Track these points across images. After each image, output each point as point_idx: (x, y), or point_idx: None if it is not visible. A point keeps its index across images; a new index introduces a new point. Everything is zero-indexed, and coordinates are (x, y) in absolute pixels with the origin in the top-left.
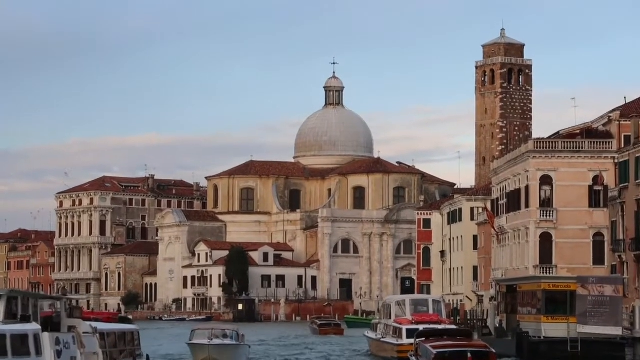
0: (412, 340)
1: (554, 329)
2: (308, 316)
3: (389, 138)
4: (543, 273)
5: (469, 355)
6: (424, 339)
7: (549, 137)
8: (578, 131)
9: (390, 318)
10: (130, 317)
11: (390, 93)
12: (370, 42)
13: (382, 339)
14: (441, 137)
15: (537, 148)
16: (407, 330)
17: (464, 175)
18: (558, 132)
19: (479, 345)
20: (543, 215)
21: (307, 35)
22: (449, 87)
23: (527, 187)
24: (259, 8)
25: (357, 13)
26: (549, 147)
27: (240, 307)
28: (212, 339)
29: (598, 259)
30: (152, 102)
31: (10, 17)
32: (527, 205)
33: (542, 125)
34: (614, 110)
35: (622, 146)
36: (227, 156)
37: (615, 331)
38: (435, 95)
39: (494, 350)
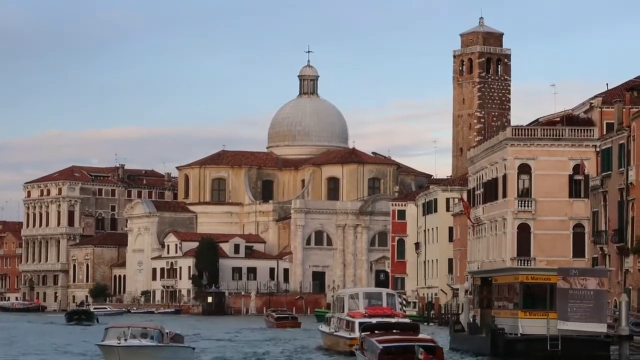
0: None
1: (532, 325)
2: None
3: (365, 133)
4: (521, 265)
5: (417, 349)
6: (369, 333)
7: (528, 125)
8: (558, 119)
9: (343, 311)
10: (92, 309)
11: (367, 84)
12: (346, 31)
13: (334, 333)
14: (419, 131)
15: (515, 136)
16: (360, 323)
17: (441, 168)
18: (537, 120)
19: (426, 340)
20: (521, 206)
21: (282, 24)
22: (428, 79)
23: (504, 176)
24: None
25: (332, 1)
26: (528, 135)
27: (209, 299)
28: (126, 339)
29: (578, 252)
30: (130, 95)
31: None
32: (504, 195)
33: (521, 116)
34: (595, 97)
35: (605, 133)
36: (204, 148)
37: (599, 328)
38: (414, 88)
39: (441, 345)
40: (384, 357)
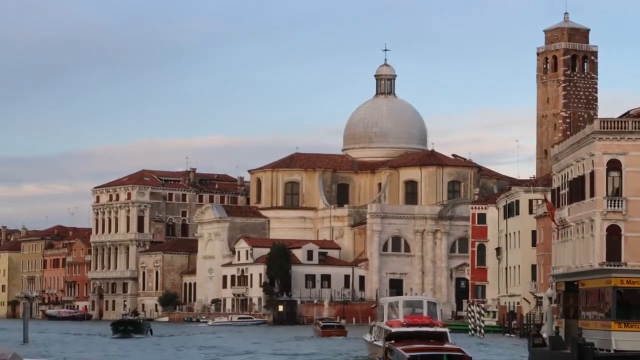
0: None
1: (628, 339)
2: (354, 319)
3: (445, 141)
4: None
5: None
6: (394, 341)
7: (618, 117)
8: None
9: (383, 320)
10: (141, 318)
11: (447, 85)
12: (424, 30)
13: (374, 342)
14: (502, 139)
15: (603, 129)
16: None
17: (525, 172)
18: (628, 112)
19: (454, 349)
20: (611, 206)
21: (359, 22)
22: (511, 80)
23: (592, 174)
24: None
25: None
26: (618, 128)
27: (280, 308)
28: None
29: None
30: (213, 104)
31: (80, 22)
32: (592, 195)
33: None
34: None
35: None
36: (278, 153)
37: None
38: (496, 91)
39: (469, 355)
40: None
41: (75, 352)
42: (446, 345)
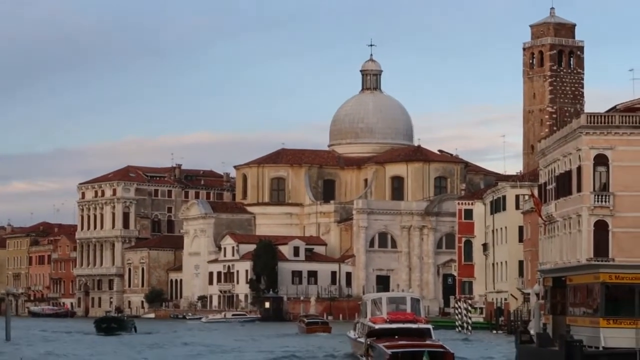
0: None
1: (617, 336)
2: (340, 315)
3: (432, 138)
4: None
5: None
6: (375, 338)
7: (605, 112)
8: (638, 105)
9: (367, 317)
10: (125, 315)
11: (433, 81)
12: (410, 24)
13: (357, 339)
14: (488, 135)
15: (590, 123)
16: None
17: (511, 168)
18: (615, 107)
19: (435, 345)
20: (598, 201)
21: (344, 17)
22: (497, 75)
23: (579, 169)
24: None
25: None
26: (605, 123)
27: (267, 305)
28: None
29: None
30: (200, 101)
31: (67, 19)
32: (579, 190)
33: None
34: None
35: None
36: (264, 149)
37: None
38: (482, 87)
39: (452, 351)
40: None
41: (46, 350)
42: (428, 342)
